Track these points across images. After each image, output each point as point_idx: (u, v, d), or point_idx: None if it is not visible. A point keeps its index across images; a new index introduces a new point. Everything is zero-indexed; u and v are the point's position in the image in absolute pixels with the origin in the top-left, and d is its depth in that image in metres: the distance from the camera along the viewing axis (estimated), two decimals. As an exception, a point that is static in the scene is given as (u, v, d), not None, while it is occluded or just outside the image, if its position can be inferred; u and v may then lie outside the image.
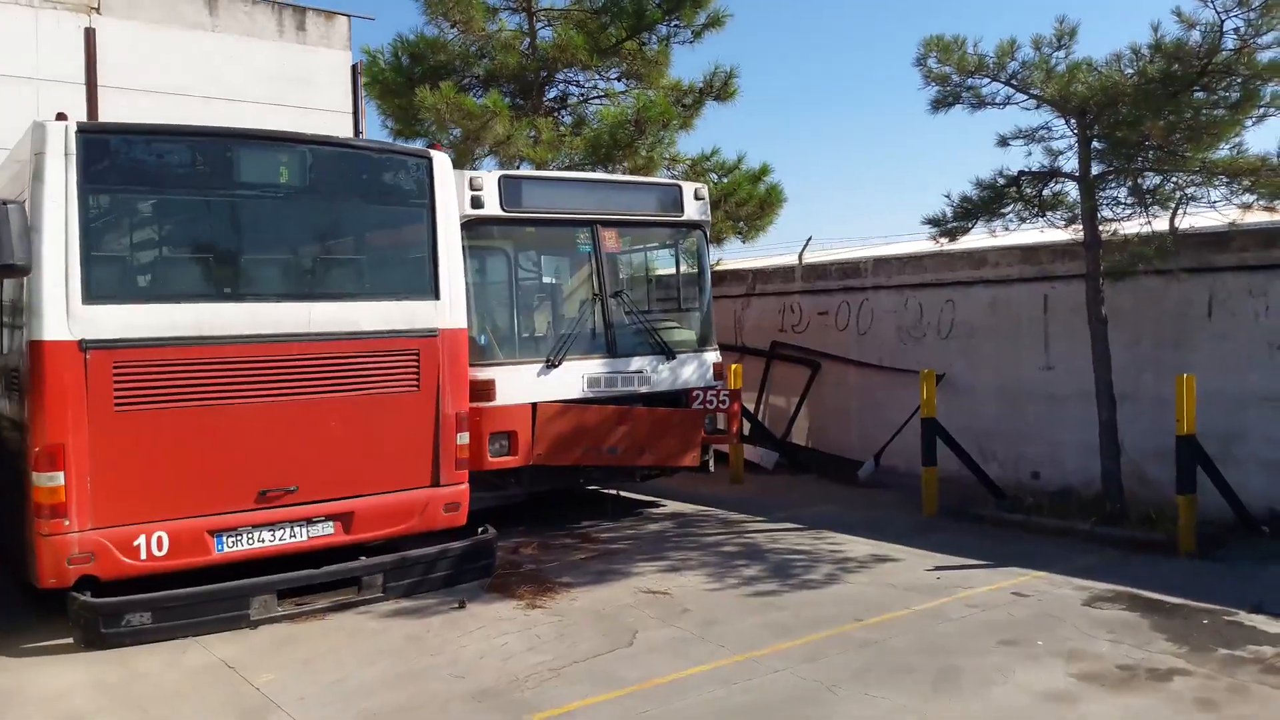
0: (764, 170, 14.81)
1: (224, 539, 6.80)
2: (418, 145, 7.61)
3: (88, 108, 14.47)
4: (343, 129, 19.12)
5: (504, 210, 8.87)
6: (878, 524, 9.45)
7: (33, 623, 6.68)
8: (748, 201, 14.62)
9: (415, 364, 7.54)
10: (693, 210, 10.09)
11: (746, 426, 12.82)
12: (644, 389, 9.51)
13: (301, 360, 7.03)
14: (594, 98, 15.00)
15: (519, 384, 8.83)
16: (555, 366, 9.00)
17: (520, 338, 9.39)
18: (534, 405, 8.86)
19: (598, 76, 14.96)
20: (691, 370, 9.88)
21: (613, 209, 9.56)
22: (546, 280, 10.06)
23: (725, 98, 14.16)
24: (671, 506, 10.53)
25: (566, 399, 9.04)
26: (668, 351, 9.67)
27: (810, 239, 14.04)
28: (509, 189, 8.90)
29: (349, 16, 20.15)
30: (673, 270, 10.62)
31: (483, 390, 8.64)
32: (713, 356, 10.14)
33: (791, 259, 14.14)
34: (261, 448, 6.88)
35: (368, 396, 7.34)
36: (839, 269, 13.11)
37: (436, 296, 7.65)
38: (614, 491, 10.66)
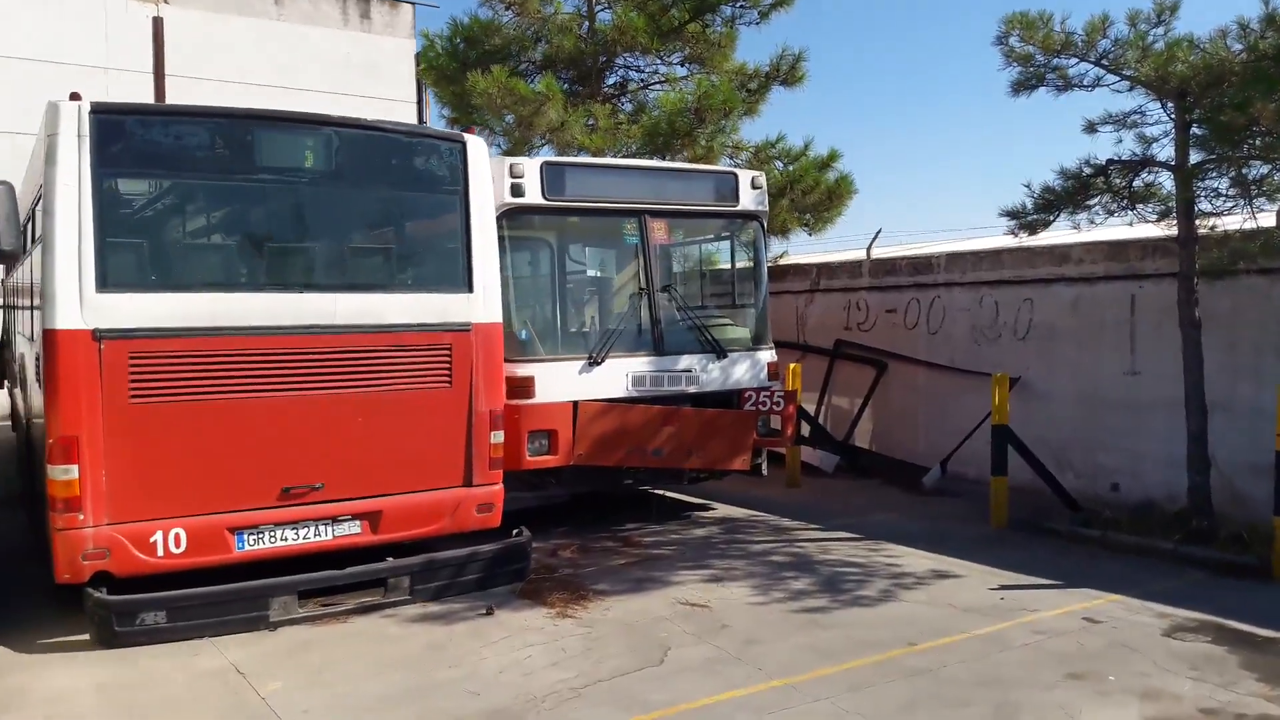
0: (832, 157, 14.18)
1: (245, 537, 6.57)
2: (471, 139, 7.29)
3: (155, 96, 14.58)
4: (406, 117, 19.09)
5: (546, 199, 8.49)
6: (941, 536, 8.84)
7: (55, 619, 6.55)
8: (814, 190, 14.01)
9: (447, 359, 7.22)
10: (749, 200, 9.57)
11: (806, 428, 12.28)
12: (692, 389, 9.05)
13: (327, 354, 6.76)
14: (654, 83, 14.58)
15: (560, 381, 8.46)
16: (598, 364, 8.60)
17: (562, 333, 9.02)
18: (575, 404, 8.47)
19: (659, 61, 14.51)
20: (744, 370, 9.38)
21: (663, 198, 9.11)
22: (591, 273, 9.67)
23: (793, 82, 13.58)
24: (721, 510, 10.06)
25: (609, 398, 8.63)
26: (719, 350, 9.19)
27: (880, 231, 13.45)
28: (551, 176, 8.52)
29: (413, 3, 20.11)
30: (727, 264, 10.14)
31: (521, 387, 8.29)
32: (767, 356, 9.63)
33: (859, 253, 13.51)
34: (285, 443, 6.63)
35: (397, 392, 7.04)
36: (909, 264, 12.44)
37: (470, 289, 7.31)
38: (659, 493, 10.22)
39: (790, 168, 14.12)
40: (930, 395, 11.95)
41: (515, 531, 7.53)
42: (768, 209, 9.82)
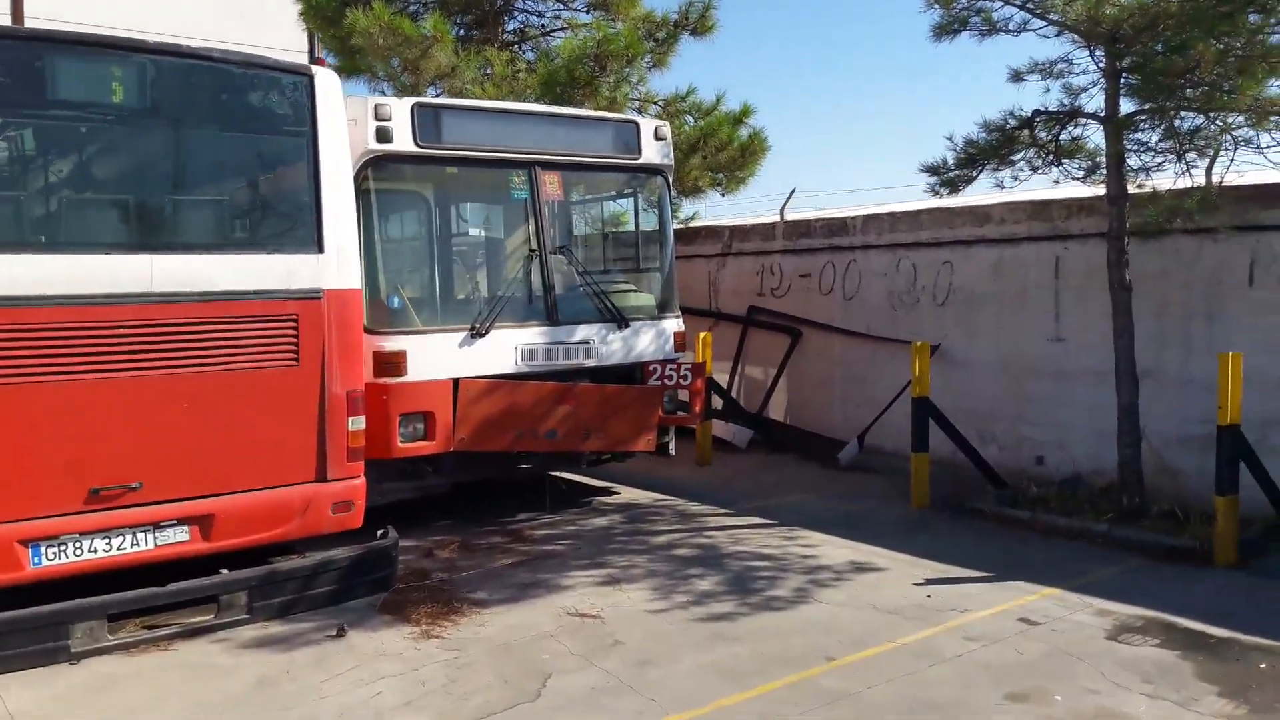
0: (745, 112, 13.29)
1: (43, 550, 5.42)
2: (321, 71, 6.12)
3: None
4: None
5: (419, 146, 7.39)
6: (860, 519, 8.14)
7: None
8: (726, 148, 13.13)
9: (293, 332, 6.13)
10: (653, 153, 8.62)
11: (719, 401, 11.48)
12: (590, 362, 8.11)
13: (142, 328, 5.61)
14: (556, 30, 13.49)
15: (437, 356, 7.43)
16: (482, 335, 7.58)
17: (440, 301, 7.97)
18: (456, 381, 7.46)
19: (561, 5, 13.45)
20: (648, 340, 8.48)
21: (556, 148, 8.09)
22: (474, 233, 8.60)
23: (703, 31, 12.64)
24: (625, 495, 9.20)
25: (496, 374, 7.64)
26: (620, 319, 8.26)
27: (794, 192, 12.64)
28: (425, 120, 7.42)
29: (293, -60, 18.44)
30: (630, 224, 9.20)
31: (391, 364, 7.24)
32: (673, 325, 8.74)
33: (774, 216, 12.70)
34: (92, 437, 5.49)
35: (231, 373, 5.93)
36: (824, 226, 11.68)
37: (320, 249, 6.22)
38: (560, 475, 9.29)
39: (701, 123, 13.22)
40: (846, 365, 11.26)
41: (380, 533, 6.52)
42: (673, 163, 8.90)
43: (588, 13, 13.21)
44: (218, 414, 5.89)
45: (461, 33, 12.95)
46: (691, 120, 13.39)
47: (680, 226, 14.45)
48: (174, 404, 5.75)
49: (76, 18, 15.43)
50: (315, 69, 6.28)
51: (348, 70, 13.02)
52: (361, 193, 7.29)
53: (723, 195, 14.38)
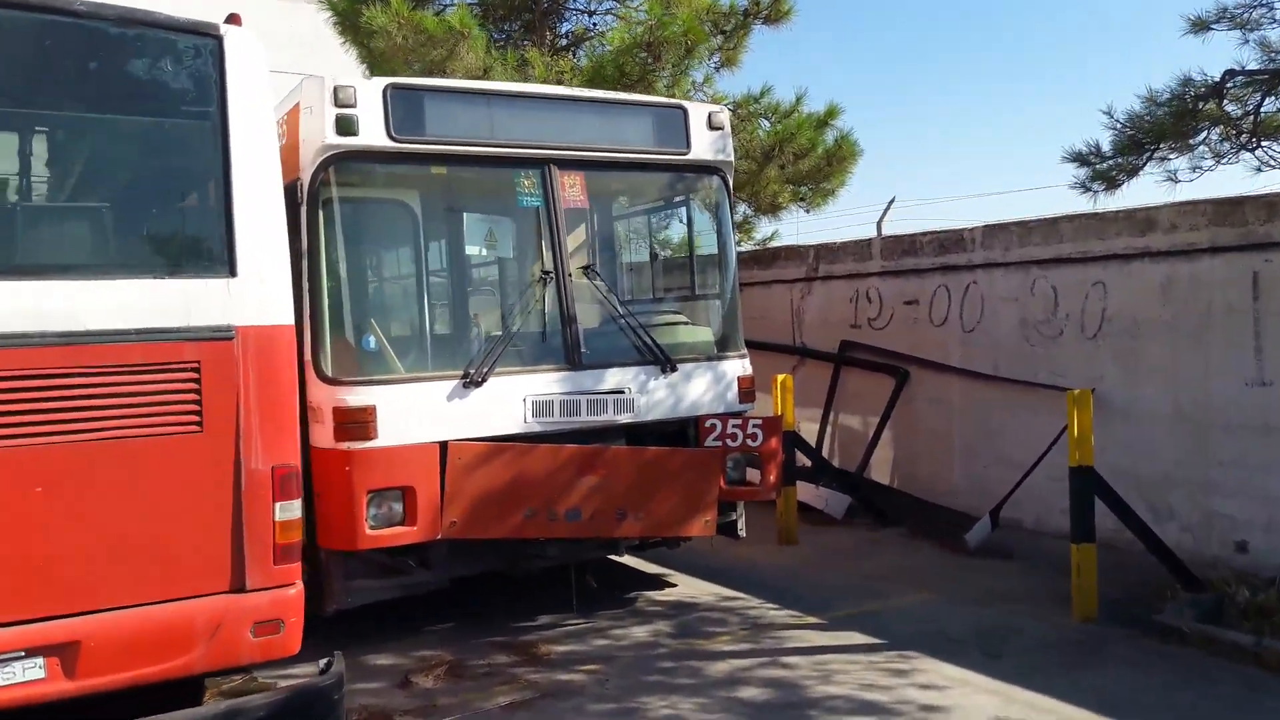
0: (831, 113, 11.34)
1: None
2: (233, 32, 4.42)
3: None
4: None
5: (395, 140, 5.61)
6: (1002, 638, 5.89)
7: None
8: (809, 154, 11.18)
9: (193, 386, 4.33)
10: (706, 146, 6.67)
11: (805, 456, 9.37)
12: (626, 418, 6.14)
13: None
14: (611, 30, 11.78)
15: (420, 412, 5.57)
16: (479, 384, 5.71)
17: (423, 340, 6.12)
18: (443, 446, 5.60)
19: (616, 3, 11.77)
20: (704, 387, 6.48)
21: (578, 141, 6.20)
22: (469, 251, 6.71)
23: (777, 19, 10.85)
24: (680, 588, 7.13)
25: (498, 435, 5.76)
26: (665, 360, 6.28)
27: (893, 201, 10.47)
28: (402, 106, 5.64)
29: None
30: (677, 238, 7.27)
31: (357, 423, 5.41)
32: (737, 366, 6.71)
33: (869, 230, 10.60)
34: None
35: (105, 444, 4.18)
36: (934, 242, 9.50)
37: (231, 272, 4.43)
38: (581, 570, 7.28)
39: (778, 127, 11.28)
40: (969, 414, 9.01)
41: (321, 665, 4.65)
42: (732, 159, 6.89)
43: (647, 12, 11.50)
44: (85, 502, 4.12)
45: (504, 38, 11.37)
46: (767, 125, 11.47)
47: (756, 248, 12.45)
48: (18, 490, 4.02)
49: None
50: (225, 28, 4.55)
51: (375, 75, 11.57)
52: (321, 203, 5.55)
53: (807, 211, 12.41)
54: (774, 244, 12.30)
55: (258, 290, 4.47)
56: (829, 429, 10.31)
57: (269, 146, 4.56)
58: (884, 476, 9.72)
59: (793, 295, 10.94)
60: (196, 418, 4.35)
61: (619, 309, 6.29)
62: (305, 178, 5.53)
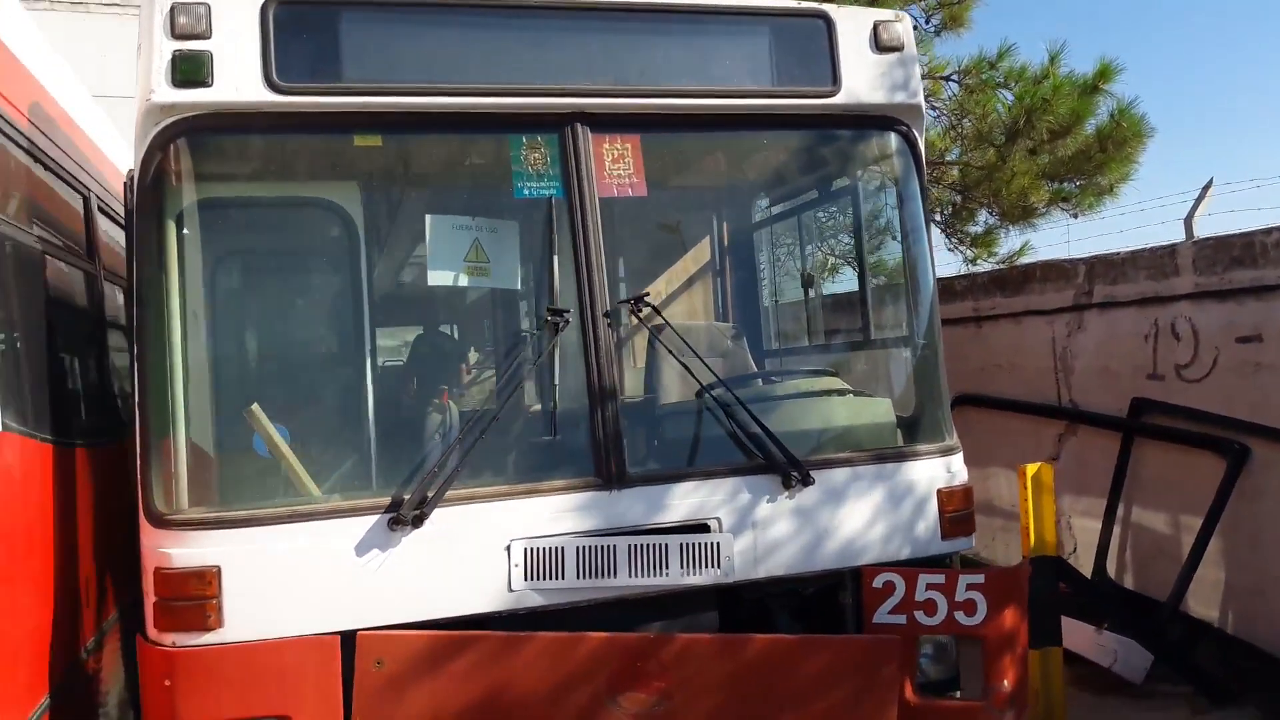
0: (1104, 73, 8.03)
1: None
2: None
3: None
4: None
5: (282, 91, 3.17)
6: None
7: None
8: (1070, 131, 7.89)
9: None
10: (869, 79, 3.73)
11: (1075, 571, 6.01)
12: (710, 576, 3.32)
13: None
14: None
15: (304, 579, 3.06)
16: (416, 523, 3.12)
17: (319, 441, 3.50)
18: (348, 640, 3.05)
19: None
20: (871, 511, 3.54)
21: (628, 78, 3.51)
22: (437, 278, 3.87)
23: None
24: None
25: (458, 618, 3.14)
26: (790, 464, 3.42)
27: (1210, 184, 6.93)
28: (296, 33, 3.18)
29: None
30: (821, 241, 4.35)
31: (184, 600, 2.97)
32: (938, 470, 3.69)
33: (1173, 233, 7.09)
34: None
35: None
36: (1286, 241, 5.93)
37: None
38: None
39: (1026, 97, 8.06)
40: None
41: None
42: (921, 102, 3.87)
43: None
44: None
45: None
46: (1009, 95, 8.25)
47: (998, 266, 9.10)
48: None
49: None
50: None
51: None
52: (153, 210, 3.21)
53: (1074, 216, 9.00)
54: (1024, 259, 8.95)
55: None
56: (1115, 532, 6.84)
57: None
58: (1211, 613, 6.15)
59: (1054, 332, 7.54)
60: None
61: (702, 372, 3.47)
62: (135, 168, 3.23)
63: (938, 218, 9.60)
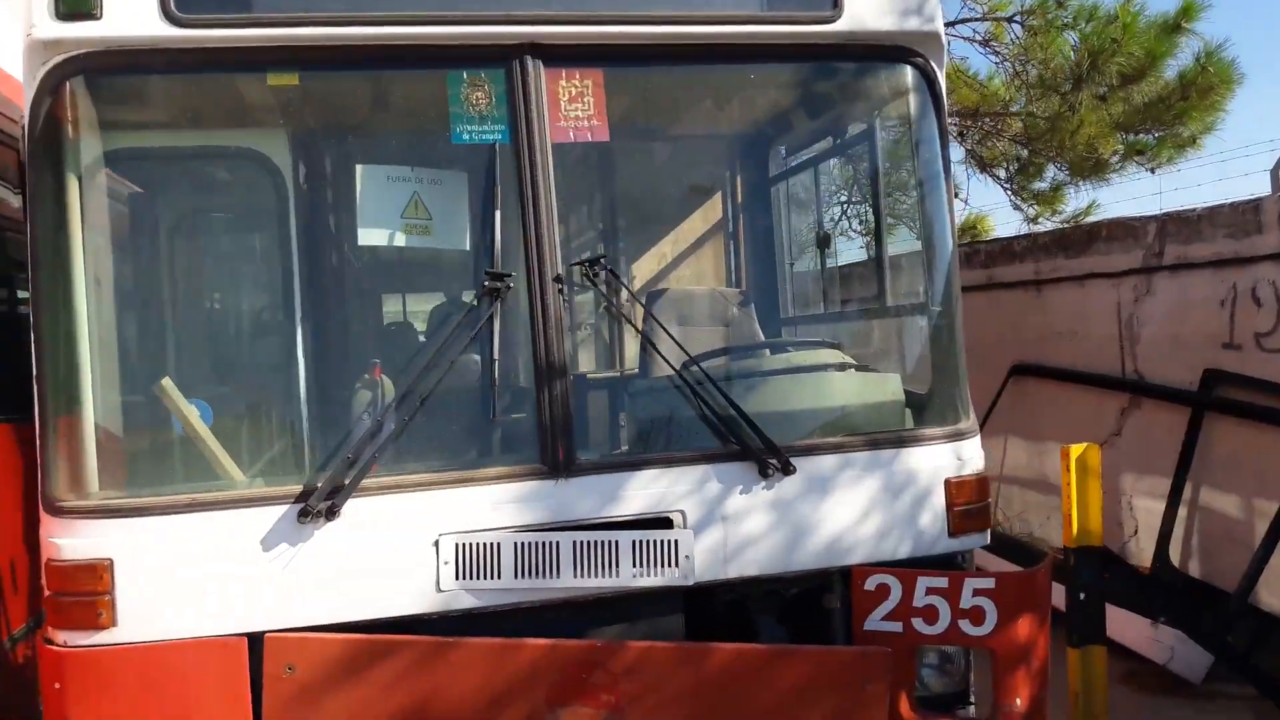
0: (1188, 10, 7.25)
1: None
2: None
3: None
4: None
5: (181, 23, 2.81)
6: None
7: None
8: (1145, 75, 7.17)
9: None
10: (875, 2, 3.23)
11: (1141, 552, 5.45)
12: (668, 578, 2.91)
13: None
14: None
15: (208, 573, 2.74)
16: (329, 515, 2.77)
17: (238, 416, 3.15)
18: (255, 642, 2.72)
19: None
20: (865, 503, 3.08)
21: (590, 1, 3.07)
22: (366, 239, 3.43)
23: None
24: None
25: (380, 620, 2.79)
26: (766, 450, 2.98)
27: (1303, 130, 6.12)
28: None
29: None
30: (820, 191, 3.84)
31: (73, 596, 2.68)
32: (945, 458, 3.20)
33: (1252, 188, 6.35)
34: None
35: None
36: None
37: None
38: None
39: (1093, 38, 7.34)
40: None
41: None
42: (940, 30, 3.32)
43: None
44: None
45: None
46: (1074, 37, 7.52)
47: (1059, 225, 8.39)
48: None
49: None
50: None
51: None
52: (46, 163, 2.87)
53: (1151, 171, 8.27)
54: (1091, 218, 8.24)
55: None
56: (1181, 515, 6.21)
57: None
58: (1288, 611, 5.52)
59: (1120, 296, 6.87)
60: None
61: (669, 345, 3.03)
62: (24, 116, 2.90)
63: (1001, 174, 8.92)
